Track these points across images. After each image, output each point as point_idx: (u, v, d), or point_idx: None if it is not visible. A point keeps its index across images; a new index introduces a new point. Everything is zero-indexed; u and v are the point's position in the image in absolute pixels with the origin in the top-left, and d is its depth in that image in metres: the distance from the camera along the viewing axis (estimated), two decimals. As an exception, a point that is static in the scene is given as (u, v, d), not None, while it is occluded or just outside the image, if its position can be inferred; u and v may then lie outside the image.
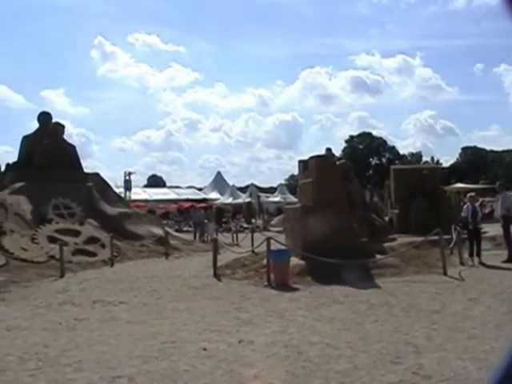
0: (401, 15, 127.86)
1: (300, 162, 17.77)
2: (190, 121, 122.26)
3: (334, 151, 22.10)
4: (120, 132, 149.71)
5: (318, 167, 15.71)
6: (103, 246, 20.41)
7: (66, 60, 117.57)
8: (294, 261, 14.10)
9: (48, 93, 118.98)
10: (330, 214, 14.58)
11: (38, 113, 26.84)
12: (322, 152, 21.23)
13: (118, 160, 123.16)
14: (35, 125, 26.70)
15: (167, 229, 25.63)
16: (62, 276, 15.87)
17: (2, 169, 27.44)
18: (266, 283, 13.39)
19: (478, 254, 16.16)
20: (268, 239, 14.39)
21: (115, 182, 39.02)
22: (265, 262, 14.44)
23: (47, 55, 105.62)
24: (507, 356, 1.49)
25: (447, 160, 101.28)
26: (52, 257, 17.88)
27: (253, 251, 17.75)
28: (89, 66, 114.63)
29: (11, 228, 19.47)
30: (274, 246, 14.37)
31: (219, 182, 59.17)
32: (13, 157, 26.41)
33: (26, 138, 26.39)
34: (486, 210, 29.40)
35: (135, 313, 10.47)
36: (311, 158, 16.58)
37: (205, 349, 7.61)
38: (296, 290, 12.58)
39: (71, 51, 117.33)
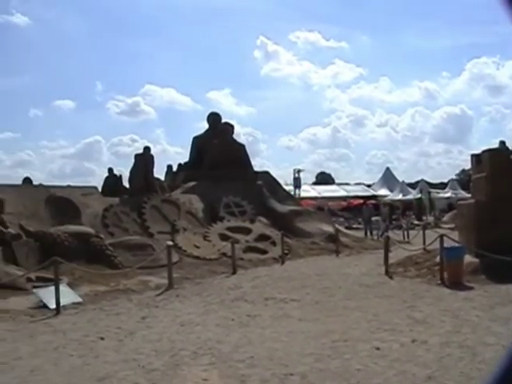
0: None
1: (473, 156, 16.65)
2: (356, 117, 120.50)
3: (507, 144, 20.47)
4: (286, 130, 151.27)
5: (491, 161, 14.75)
6: (274, 243, 20.28)
7: (230, 61, 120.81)
8: (468, 258, 13.30)
9: (214, 94, 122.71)
10: (506, 210, 13.53)
11: (205, 114, 27.45)
12: (495, 145, 19.76)
13: (285, 158, 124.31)
14: (203, 126, 27.35)
15: (337, 226, 25.10)
16: (233, 273, 15.89)
17: (174, 169, 28.30)
18: (439, 281, 12.77)
19: None
20: (441, 236, 13.65)
21: (284, 180, 39.09)
22: (437, 259, 13.76)
23: (212, 57, 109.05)
24: (505, 357, 1.56)
25: None
26: (224, 254, 18.03)
27: (424, 249, 16.85)
28: (252, 66, 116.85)
29: (184, 226, 19.92)
30: (447, 244, 13.55)
31: (388, 178, 57.61)
32: (183, 157, 27.16)
33: (196, 139, 27.09)
34: None
35: (307, 310, 10.24)
36: (484, 151, 15.55)
37: (378, 348, 7.33)
38: (470, 288, 11.88)
39: (235, 52, 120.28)
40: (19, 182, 23.39)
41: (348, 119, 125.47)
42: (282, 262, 18.50)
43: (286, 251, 19.48)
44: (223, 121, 27.34)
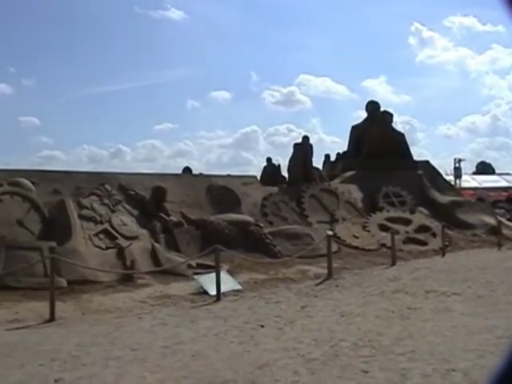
0: None
1: None
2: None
3: None
4: (444, 118, 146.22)
5: None
6: (434, 234, 19.68)
7: (384, 48, 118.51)
8: None
9: (369, 82, 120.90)
10: None
11: (361, 103, 27.26)
12: None
13: (443, 147, 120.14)
14: (359, 115, 27.08)
15: (499, 218, 23.88)
16: (393, 264, 15.57)
17: (332, 158, 28.24)
18: None
19: None
20: None
21: (444, 170, 37.89)
22: None
23: (366, 45, 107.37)
24: (505, 356, 1.52)
25: None
26: (383, 245, 17.75)
27: None
28: (407, 53, 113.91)
29: (343, 216, 19.83)
30: None
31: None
32: (339, 147, 27.01)
33: (354, 128, 26.84)
34: None
35: (469, 304, 9.81)
36: None
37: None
38: None
39: (389, 39, 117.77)
40: (179, 171, 24.32)
41: (508, 106, 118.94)
42: (443, 254, 17.88)
43: (446, 243, 18.81)
44: (382, 109, 26.87)
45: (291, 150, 22.46)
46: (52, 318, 9.09)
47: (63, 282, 11.17)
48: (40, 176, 15.05)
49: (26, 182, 14.08)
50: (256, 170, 37.22)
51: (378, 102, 27.54)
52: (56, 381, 5.83)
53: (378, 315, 9.03)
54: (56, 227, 13.34)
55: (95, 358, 6.77)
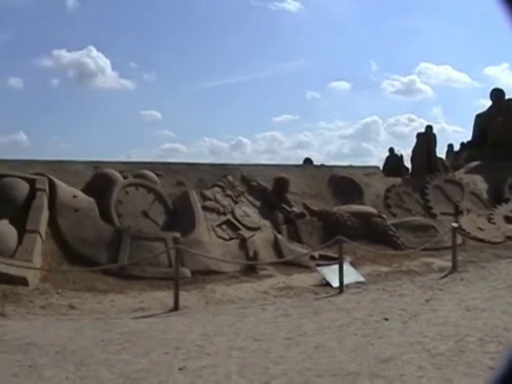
0: None
1: None
2: None
3: None
4: None
5: None
6: None
7: (505, 34, 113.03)
8: None
9: (491, 69, 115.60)
10: None
11: (483, 91, 26.31)
12: None
13: None
14: (482, 103, 26.19)
15: None
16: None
17: (456, 148, 27.48)
18: None
19: None
20: None
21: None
22: None
23: (487, 32, 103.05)
24: (506, 359, 1.55)
25: None
26: (509, 237, 17.20)
27: None
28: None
29: (467, 207, 19.32)
30: None
31: None
32: (462, 136, 26.19)
33: (479, 117, 25.98)
34: None
35: None
36: None
37: None
38: None
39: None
40: (299, 162, 24.43)
41: None
42: None
43: None
44: (507, 97, 25.83)
45: (412, 140, 22.07)
46: (176, 308, 9.50)
47: (187, 272, 11.63)
48: (164, 168, 15.70)
49: (151, 174, 14.71)
50: (376, 160, 36.80)
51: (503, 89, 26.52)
52: (180, 369, 6.06)
53: (504, 310, 8.80)
54: (180, 218, 13.89)
55: (219, 347, 7.00)
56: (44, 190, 12.29)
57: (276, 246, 13.88)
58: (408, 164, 23.26)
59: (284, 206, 15.70)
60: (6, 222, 11.27)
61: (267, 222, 14.93)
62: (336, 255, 11.75)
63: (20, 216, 11.50)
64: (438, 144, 21.70)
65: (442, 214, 18.66)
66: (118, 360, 6.40)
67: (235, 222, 14.36)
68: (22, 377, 5.74)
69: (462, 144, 27.07)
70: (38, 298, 9.67)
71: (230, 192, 15.35)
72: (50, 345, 6.98)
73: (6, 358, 6.36)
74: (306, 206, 16.22)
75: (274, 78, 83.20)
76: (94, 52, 68.51)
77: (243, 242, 13.60)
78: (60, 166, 14.39)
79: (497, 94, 25.84)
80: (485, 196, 20.83)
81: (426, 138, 21.49)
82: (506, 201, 20.46)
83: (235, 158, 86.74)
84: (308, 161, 25.39)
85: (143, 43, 73.82)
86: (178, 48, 79.82)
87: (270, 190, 16.11)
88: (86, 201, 12.89)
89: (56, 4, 70.58)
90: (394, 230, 16.01)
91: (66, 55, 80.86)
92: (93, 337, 7.53)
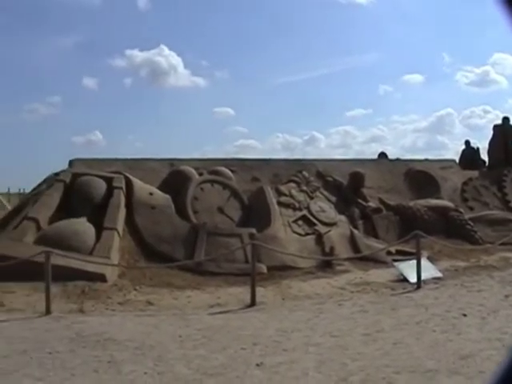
0: None
1: None
2: None
3: None
4: None
5: None
6: None
7: None
8: None
9: None
10: None
11: None
12: None
13: None
14: None
15: None
16: None
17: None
18: None
19: None
20: None
21: None
22: None
23: None
24: (507, 359, 1.64)
25: None
26: None
27: None
28: None
29: None
30: None
31: None
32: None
33: None
34: None
35: None
36: None
37: None
38: None
39: None
40: (373, 156, 24.14)
41: None
42: None
43: None
44: None
45: (488, 132, 21.45)
46: (253, 303, 9.55)
47: (263, 268, 11.67)
48: (238, 164, 15.82)
49: (226, 170, 14.84)
50: (452, 153, 35.94)
51: None
52: (257, 365, 6.08)
53: None
54: (255, 214, 13.95)
55: (296, 343, 7.00)
56: (121, 188, 12.58)
57: (352, 242, 13.79)
58: (485, 157, 22.64)
59: (360, 200, 15.58)
60: (84, 219, 11.61)
61: (343, 218, 14.84)
62: (413, 250, 11.59)
63: (98, 214, 11.83)
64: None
65: (520, 207, 18.06)
66: (195, 355, 6.49)
67: (311, 218, 14.33)
68: (101, 372, 5.90)
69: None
70: (116, 295, 9.92)
71: (305, 187, 15.33)
72: (129, 340, 7.15)
73: (86, 354, 6.55)
74: (381, 201, 16.03)
75: (345, 72, 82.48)
76: (166, 51, 69.90)
77: (319, 238, 13.55)
78: (136, 164, 14.71)
79: None
80: None
81: (503, 130, 20.83)
82: None
83: (309, 153, 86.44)
84: (383, 155, 25.05)
85: (214, 41, 74.50)
86: (250, 45, 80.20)
87: (345, 185, 16.01)
88: (162, 198, 13.12)
89: (128, 5, 72.34)
90: (471, 224, 15.65)
91: (138, 55, 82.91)
92: (170, 332, 7.67)
